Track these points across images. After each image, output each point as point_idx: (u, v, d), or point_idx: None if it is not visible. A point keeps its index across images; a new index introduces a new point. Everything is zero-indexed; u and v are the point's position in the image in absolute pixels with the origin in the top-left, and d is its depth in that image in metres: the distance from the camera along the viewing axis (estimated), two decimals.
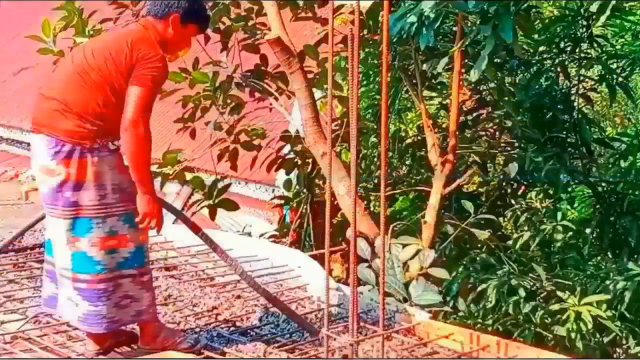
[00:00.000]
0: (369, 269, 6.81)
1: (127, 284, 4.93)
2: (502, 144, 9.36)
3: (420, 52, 8.05)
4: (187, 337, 5.25)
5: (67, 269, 4.88)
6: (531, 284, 7.48)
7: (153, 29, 4.98)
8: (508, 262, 7.81)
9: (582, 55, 8.67)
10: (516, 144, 8.98)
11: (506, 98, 8.54)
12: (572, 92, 8.85)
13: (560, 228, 8.08)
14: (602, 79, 8.61)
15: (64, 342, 5.30)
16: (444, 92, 9.50)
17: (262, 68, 9.31)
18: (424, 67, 8.26)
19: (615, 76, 8.50)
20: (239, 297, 6.35)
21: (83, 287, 4.85)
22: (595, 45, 8.52)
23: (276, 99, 9.15)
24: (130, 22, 8.61)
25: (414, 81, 8.35)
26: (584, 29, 8.38)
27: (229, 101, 9.31)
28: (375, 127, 10.01)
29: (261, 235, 10.83)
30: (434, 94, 9.77)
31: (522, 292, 7.35)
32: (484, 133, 9.47)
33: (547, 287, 7.42)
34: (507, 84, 8.76)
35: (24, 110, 16.79)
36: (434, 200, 7.91)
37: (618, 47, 9.64)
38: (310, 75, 8.75)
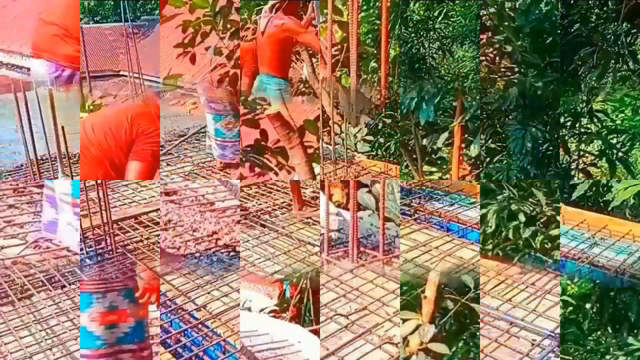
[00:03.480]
0: (369, 194, 6.70)
1: (127, 359, 4.91)
2: (502, 69, 9.31)
3: (420, 127, 8.09)
4: None
5: (67, 193, 4.86)
6: (531, 209, 7.44)
7: (153, 103, 5.02)
8: (508, 188, 7.73)
9: (582, 130, 8.71)
10: (516, 69, 8.94)
11: (506, 23, 8.49)
12: (572, 167, 8.86)
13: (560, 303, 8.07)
14: (602, 153, 8.65)
15: None
16: (444, 167, 9.50)
17: (262, 143, 9.34)
18: (424, 142, 8.29)
19: (615, 151, 8.54)
20: (239, 222, 6.30)
21: None
22: (595, 120, 8.57)
23: (276, 174, 9.16)
24: (130, 98, 8.64)
25: (414, 156, 8.37)
26: (584, 104, 8.43)
27: (229, 26, 9.28)
28: (375, 52, 9.97)
29: (261, 310, 10.75)
30: (433, 169, 9.78)
31: (522, 217, 7.32)
32: (484, 58, 9.43)
33: (547, 212, 7.37)
34: (507, 9, 8.71)
35: (24, 35, 16.67)
36: (433, 276, 7.89)
37: (618, 122, 9.69)
38: (310, 150, 8.77)
